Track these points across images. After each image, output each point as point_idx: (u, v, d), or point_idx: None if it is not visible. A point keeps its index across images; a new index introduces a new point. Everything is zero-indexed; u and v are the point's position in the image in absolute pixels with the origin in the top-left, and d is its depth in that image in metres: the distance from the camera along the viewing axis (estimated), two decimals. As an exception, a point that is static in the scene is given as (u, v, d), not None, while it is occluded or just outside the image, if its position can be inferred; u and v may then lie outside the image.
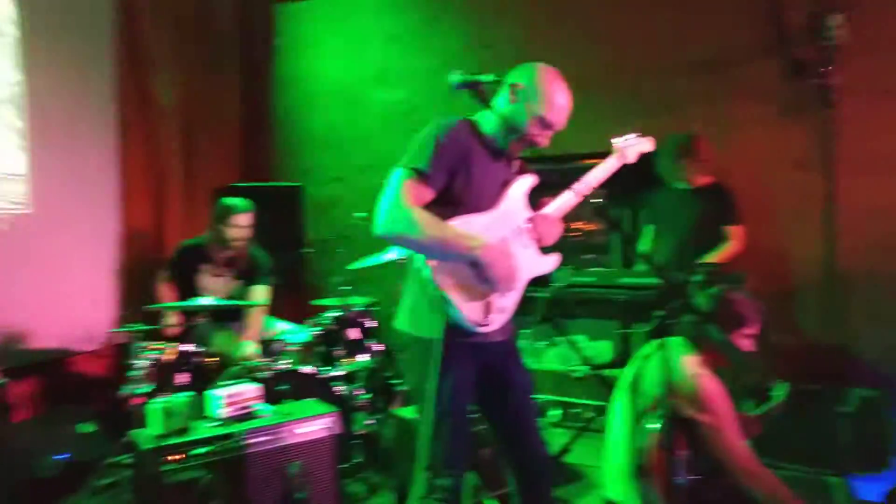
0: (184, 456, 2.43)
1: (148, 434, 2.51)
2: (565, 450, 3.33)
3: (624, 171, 2.38)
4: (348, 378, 3.52)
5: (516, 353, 2.23)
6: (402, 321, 2.11)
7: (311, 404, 2.88)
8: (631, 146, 2.36)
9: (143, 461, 2.44)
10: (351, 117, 5.26)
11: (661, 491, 2.20)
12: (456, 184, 2.01)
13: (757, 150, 3.98)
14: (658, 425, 2.18)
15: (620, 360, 3.66)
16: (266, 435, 2.58)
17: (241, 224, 3.67)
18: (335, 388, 3.38)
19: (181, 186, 4.75)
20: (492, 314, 2.01)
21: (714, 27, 4.10)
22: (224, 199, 3.74)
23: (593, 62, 4.30)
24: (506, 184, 2.13)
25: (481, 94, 2.08)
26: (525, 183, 2.18)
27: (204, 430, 2.55)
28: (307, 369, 3.42)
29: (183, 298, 3.66)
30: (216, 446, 2.48)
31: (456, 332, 1.97)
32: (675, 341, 2.34)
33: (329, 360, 3.61)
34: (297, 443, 2.63)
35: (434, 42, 4.96)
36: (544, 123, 2.05)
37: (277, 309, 4.11)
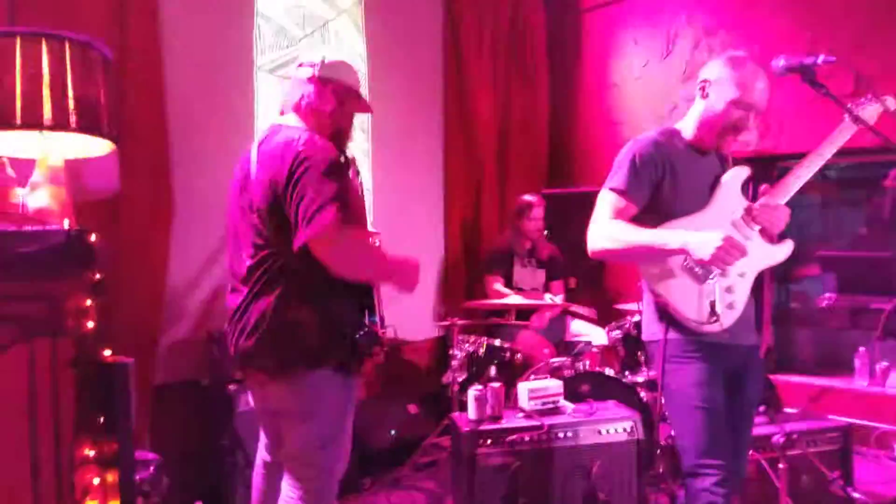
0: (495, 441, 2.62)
1: (464, 419, 2.75)
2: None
3: None
4: (651, 385, 3.44)
5: (757, 361, 2.24)
6: (644, 331, 2.20)
7: (612, 407, 2.88)
8: (864, 107, 2.07)
9: (461, 443, 2.68)
10: (658, 118, 5.11)
11: None
12: (664, 194, 2.09)
13: None
14: None
15: None
16: (569, 430, 2.66)
17: (536, 216, 4.21)
18: (638, 393, 3.33)
19: (495, 192, 5.12)
20: (719, 311, 2.00)
21: None
22: (520, 198, 4.32)
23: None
24: (717, 181, 2.14)
25: (811, 76, 1.96)
26: (738, 174, 2.16)
27: (514, 419, 2.72)
28: (609, 372, 3.44)
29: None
30: (523, 437, 2.62)
31: (691, 334, 2.04)
32: None
33: (632, 365, 3.58)
34: (598, 443, 2.66)
35: (757, 30, 4.57)
36: (741, 105, 2.04)
37: (579, 310, 4.22)
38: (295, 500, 2.05)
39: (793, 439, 2.83)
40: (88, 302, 1.56)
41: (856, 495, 2.91)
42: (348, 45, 4.36)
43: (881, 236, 4.54)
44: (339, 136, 2.15)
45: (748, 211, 2.11)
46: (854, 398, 4.07)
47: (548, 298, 4.16)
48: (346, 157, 2.09)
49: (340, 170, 1.99)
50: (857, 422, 3.80)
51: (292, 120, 2.13)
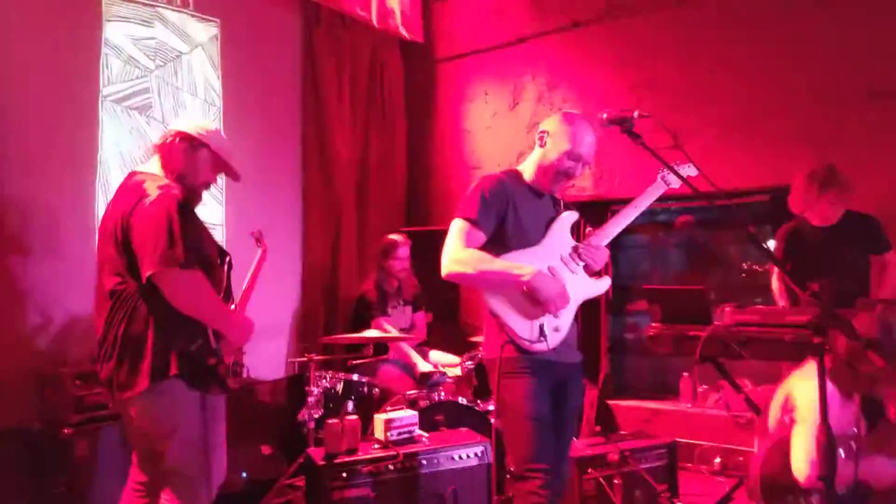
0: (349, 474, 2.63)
1: (320, 454, 2.75)
2: (727, 499, 3.17)
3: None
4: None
5: (579, 376, 2.50)
6: (484, 351, 2.46)
7: (465, 434, 3.00)
8: (679, 168, 2.51)
9: (316, 479, 2.67)
10: (507, 163, 5.45)
11: None
12: (506, 226, 2.32)
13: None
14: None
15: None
16: (424, 458, 2.73)
17: (401, 256, 4.21)
18: (489, 420, 3.47)
19: (354, 232, 5.19)
20: (547, 333, 2.24)
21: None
22: (386, 237, 4.33)
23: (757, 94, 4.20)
24: (552, 221, 2.42)
25: (630, 129, 2.20)
26: (569, 217, 2.45)
27: (369, 451, 2.76)
28: (462, 401, 3.57)
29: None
30: (378, 466, 2.66)
31: (523, 351, 2.25)
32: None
33: (484, 394, 3.73)
34: (452, 468, 2.76)
35: (592, 87, 5.04)
36: (572, 156, 2.35)
37: (434, 344, 4.35)
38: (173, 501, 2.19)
39: (626, 457, 3.10)
40: None
41: (680, 505, 3.21)
42: (202, 79, 4.30)
43: (698, 270, 5.14)
44: (194, 193, 2.35)
45: (575, 249, 2.40)
46: (679, 418, 4.50)
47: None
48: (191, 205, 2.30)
49: (185, 211, 2.21)
50: (682, 440, 4.21)
51: (151, 167, 2.34)
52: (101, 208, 3.59)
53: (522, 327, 2.25)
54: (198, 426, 2.21)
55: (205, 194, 2.43)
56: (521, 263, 2.25)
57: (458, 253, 2.26)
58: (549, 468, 2.21)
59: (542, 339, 2.23)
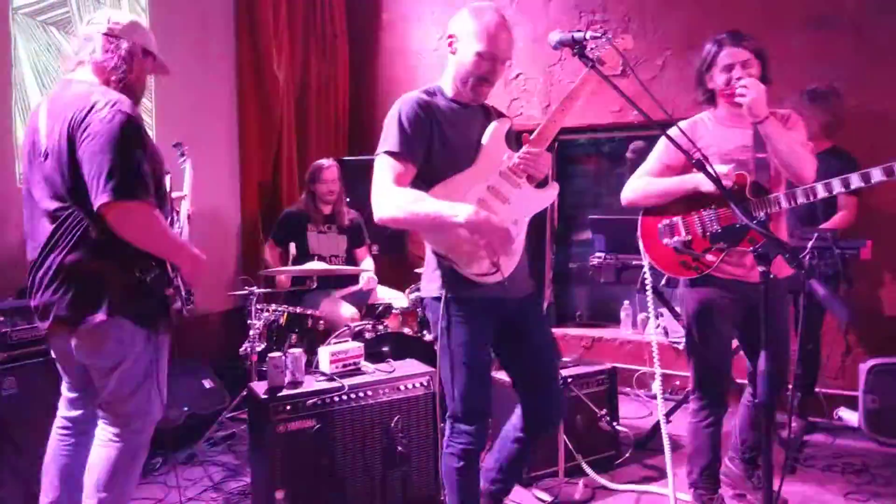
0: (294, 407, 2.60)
1: (262, 388, 2.70)
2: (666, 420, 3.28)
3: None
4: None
5: (537, 311, 2.38)
6: (423, 289, 2.28)
7: (411, 364, 2.99)
8: (600, 48, 2.10)
9: (259, 412, 2.62)
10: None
11: None
12: (434, 150, 2.13)
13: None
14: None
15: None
16: (369, 389, 2.72)
17: (328, 179, 4.09)
18: (434, 350, 3.48)
19: (294, 157, 5.00)
20: (499, 261, 2.08)
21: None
22: (314, 163, 4.21)
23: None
24: (482, 134, 2.19)
25: (581, 50, 2.06)
26: (500, 126, 2.23)
27: (313, 383, 2.72)
28: (407, 331, 3.56)
29: (296, 262, 3.92)
30: (323, 399, 2.63)
31: (467, 289, 2.12)
32: None
33: (428, 325, 3.73)
34: (397, 398, 2.75)
35: (535, 8, 4.91)
36: (486, 56, 2.10)
37: (381, 276, 4.29)
38: (111, 441, 2.13)
39: (568, 383, 3.16)
40: None
41: (620, 428, 3.31)
42: (126, -6, 3.97)
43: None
44: (130, 95, 2.14)
45: (512, 160, 2.16)
46: (620, 345, 4.62)
47: (364, 276, 4.10)
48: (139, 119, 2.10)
49: (139, 133, 2.04)
50: (621, 366, 4.33)
51: (83, 75, 2.13)
52: (19, 132, 3.33)
53: (470, 263, 2.10)
54: (144, 361, 2.13)
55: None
56: (452, 203, 2.02)
57: (386, 195, 2.06)
58: (482, 412, 2.20)
59: (495, 269, 2.09)
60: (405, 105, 2.13)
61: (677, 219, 2.58)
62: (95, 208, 1.94)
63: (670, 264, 2.60)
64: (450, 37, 2.17)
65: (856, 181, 2.26)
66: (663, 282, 3.11)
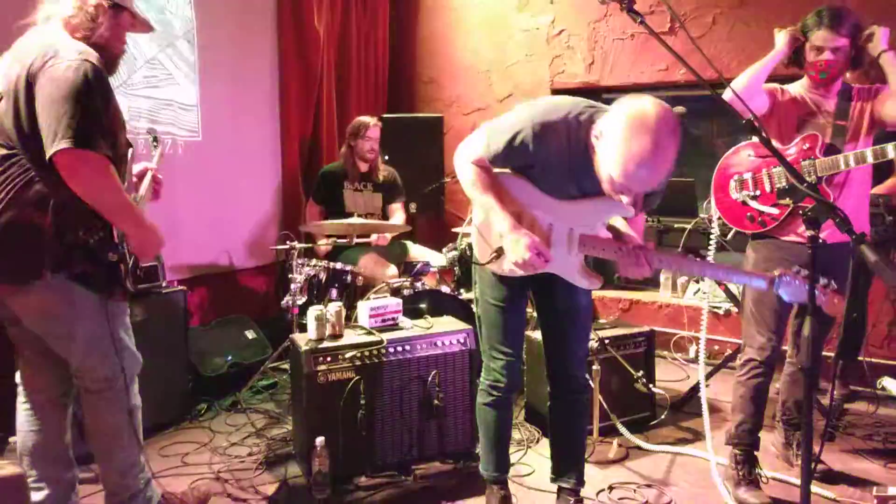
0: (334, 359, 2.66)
1: (303, 339, 2.76)
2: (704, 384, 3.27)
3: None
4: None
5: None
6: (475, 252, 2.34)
7: (448, 321, 3.02)
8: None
9: (300, 363, 2.69)
10: (494, 45, 5.23)
11: None
12: (530, 172, 2.08)
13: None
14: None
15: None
16: (407, 344, 2.76)
17: (372, 136, 4.11)
18: (472, 309, 3.51)
19: (334, 114, 5.00)
20: (506, 269, 2.14)
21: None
22: (357, 118, 4.22)
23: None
24: (597, 195, 1.98)
25: (630, 6, 1.99)
26: (622, 212, 2.05)
27: (353, 337, 2.77)
28: (445, 289, 3.58)
29: (333, 218, 3.98)
30: (363, 352, 2.68)
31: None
32: None
33: (466, 284, 3.75)
34: (434, 354, 2.79)
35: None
36: (615, 187, 1.83)
37: (418, 234, 4.31)
38: (99, 405, 2.09)
39: (605, 345, 3.16)
40: None
41: (656, 391, 3.32)
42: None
43: (687, 163, 5.06)
44: (104, 53, 2.02)
45: (595, 240, 2.08)
46: (658, 309, 4.58)
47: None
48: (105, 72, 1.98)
49: (104, 86, 1.95)
50: (659, 329, 4.31)
51: (52, 28, 2.02)
52: None
53: (480, 247, 2.26)
54: (100, 323, 2.02)
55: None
56: (512, 224, 1.98)
57: (466, 165, 2.09)
58: (511, 351, 2.29)
59: (490, 261, 2.10)
60: (533, 131, 1.95)
61: (748, 174, 2.65)
62: (49, 154, 1.83)
63: (737, 217, 2.68)
64: (598, 132, 1.86)
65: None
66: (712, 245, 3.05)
